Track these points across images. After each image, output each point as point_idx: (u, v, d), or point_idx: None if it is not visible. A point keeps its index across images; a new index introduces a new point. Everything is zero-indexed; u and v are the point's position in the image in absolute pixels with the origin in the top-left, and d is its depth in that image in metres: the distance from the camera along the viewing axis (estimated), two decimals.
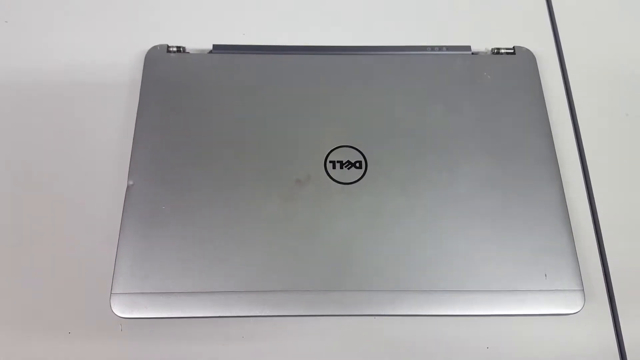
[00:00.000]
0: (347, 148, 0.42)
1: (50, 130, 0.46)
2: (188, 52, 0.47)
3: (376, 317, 0.39)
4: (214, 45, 0.48)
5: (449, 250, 0.39)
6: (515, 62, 0.47)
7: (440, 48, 0.48)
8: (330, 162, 0.42)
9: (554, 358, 0.39)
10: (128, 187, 0.40)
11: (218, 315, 0.36)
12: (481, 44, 0.49)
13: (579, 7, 0.54)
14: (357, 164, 0.42)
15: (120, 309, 0.36)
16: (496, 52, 0.48)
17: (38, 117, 0.46)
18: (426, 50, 0.48)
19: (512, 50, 0.48)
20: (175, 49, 0.47)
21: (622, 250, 0.43)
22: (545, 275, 0.38)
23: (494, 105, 0.45)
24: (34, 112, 0.46)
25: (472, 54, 0.48)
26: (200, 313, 0.36)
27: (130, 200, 0.40)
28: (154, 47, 0.47)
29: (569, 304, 0.37)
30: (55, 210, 0.42)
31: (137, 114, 0.43)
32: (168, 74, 0.45)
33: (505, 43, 0.49)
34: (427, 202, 0.40)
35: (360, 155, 0.42)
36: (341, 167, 0.41)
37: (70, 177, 0.44)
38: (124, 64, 0.48)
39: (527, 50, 0.48)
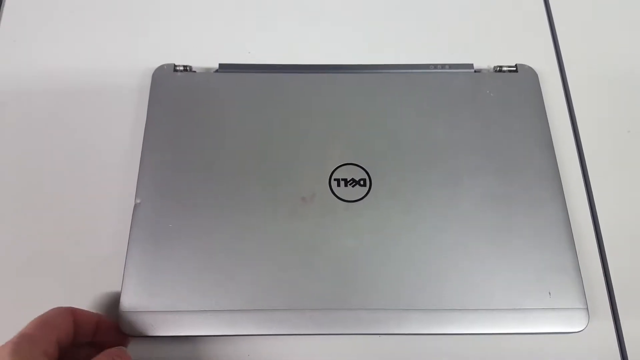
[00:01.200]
0: (352, 166, 0.43)
1: (56, 150, 0.46)
2: (194, 71, 0.48)
3: (381, 336, 0.39)
4: (220, 65, 0.48)
5: (453, 268, 0.39)
6: (518, 79, 0.48)
7: (443, 66, 0.49)
8: (334, 179, 0.42)
9: None
10: (135, 206, 0.41)
11: (225, 334, 0.37)
12: (483, 62, 0.50)
13: (580, 24, 0.54)
14: (362, 182, 0.42)
15: (129, 328, 0.37)
16: (498, 69, 0.49)
17: (43, 137, 0.47)
18: (429, 69, 0.49)
19: (515, 68, 0.48)
20: (182, 68, 0.47)
21: (626, 267, 0.43)
22: (550, 293, 0.38)
23: (497, 123, 0.45)
24: (39, 132, 0.47)
25: (475, 71, 0.49)
26: (207, 332, 0.37)
27: (138, 219, 0.40)
28: (161, 67, 0.47)
29: (573, 323, 0.38)
30: (63, 228, 0.43)
31: (144, 132, 0.44)
32: (175, 93, 0.46)
33: (508, 61, 0.49)
34: (431, 220, 0.41)
35: (364, 173, 0.42)
36: (346, 185, 0.42)
37: (78, 195, 0.44)
38: (131, 83, 0.49)
39: (530, 68, 0.48)
